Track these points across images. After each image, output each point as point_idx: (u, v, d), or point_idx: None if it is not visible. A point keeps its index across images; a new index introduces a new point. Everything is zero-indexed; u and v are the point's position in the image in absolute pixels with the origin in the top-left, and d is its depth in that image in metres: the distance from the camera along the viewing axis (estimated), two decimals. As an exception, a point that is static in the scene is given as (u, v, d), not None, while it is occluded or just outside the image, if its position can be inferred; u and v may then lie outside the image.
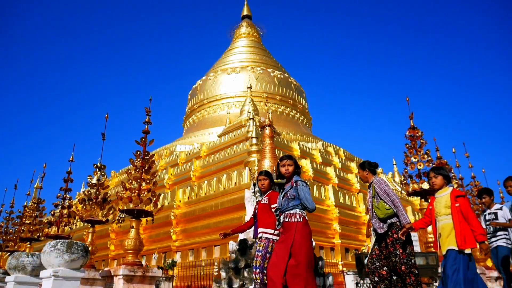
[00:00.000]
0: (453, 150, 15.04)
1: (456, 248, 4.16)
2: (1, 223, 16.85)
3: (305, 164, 19.89)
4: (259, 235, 4.51)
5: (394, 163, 32.47)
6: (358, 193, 20.18)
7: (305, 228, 4.05)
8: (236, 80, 32.22)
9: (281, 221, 4.15)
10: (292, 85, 34.18)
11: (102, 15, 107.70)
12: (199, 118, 33.01)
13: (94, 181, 11.50)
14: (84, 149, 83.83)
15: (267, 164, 11.84)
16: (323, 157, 23.30)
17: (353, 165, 24.99)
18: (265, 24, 75.19)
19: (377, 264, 4.37)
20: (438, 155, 11.89)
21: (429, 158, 10.58)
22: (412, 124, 10.96)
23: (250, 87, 25.14)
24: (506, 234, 5.64)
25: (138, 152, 10.05)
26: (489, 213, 5.87)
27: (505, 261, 5.54)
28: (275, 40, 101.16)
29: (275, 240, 4.36)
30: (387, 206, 4.38)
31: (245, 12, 42.17)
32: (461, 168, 16.69)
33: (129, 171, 10.11)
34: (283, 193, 4.26)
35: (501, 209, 5.80)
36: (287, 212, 4.11)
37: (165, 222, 17.95)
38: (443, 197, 4.48)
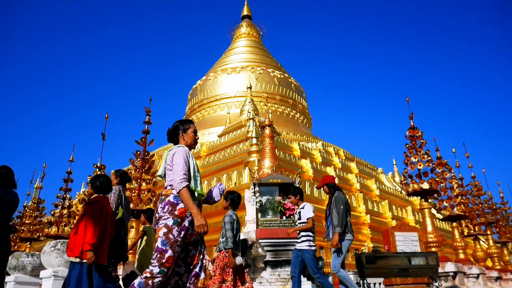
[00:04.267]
0: (453, 150, 15.05)
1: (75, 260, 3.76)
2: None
3: (305, 164, 19.88)
4: None
5: (394, 163, 32.50)
6: (359, 193, 20.17)
7: None
8: (236, 80, 32.20)
9: None
10: (292, 85, 34.16)
11: (102, 15, 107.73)
12: (199, 118, 33.01)
13: (94, 181, 11.49)
14: (84, 149, 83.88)
15: (267, 164, 11.84)
16: (323, 157, 23.29)
17: (353, 165, 24.98)
18: (265, 24, 75.22)
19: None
20: (438, 155, 11.88)
21: (429, 158, 10.58)
22: (412, 124, 10.95)
23: (250, 87, 25.13)
24: (309, 236, 5.34)
25: (138, 152, 10.05)
26: (296, 214, 5.67)
27: (315, 262, 5.23)
28: (275, 40, 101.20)
29: None
30: None
31: (245, 12, 42.14)
32: (461, 168, 16.70)
33: (129, 171, 10.11)
34: None
35: (303, 208, 5.57)
36: None
37: (165, 222, 17.93)
38: None
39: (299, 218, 5.54)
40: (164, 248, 2.80)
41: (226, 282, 4.76)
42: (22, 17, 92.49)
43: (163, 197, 3.00)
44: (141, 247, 6.22)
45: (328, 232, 5.37)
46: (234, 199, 5.20)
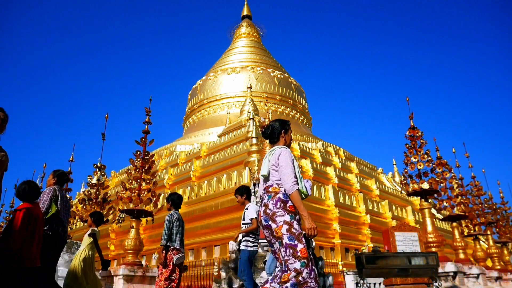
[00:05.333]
0: (453, 150, 15.05)
1: None
2: (1, 223, 16.83)
3: (305, 164, 19.87)
4: None
5: (394, 163, 32.51)
6: (359, 193, 20.17)
7: None
8: (236, 80, 32.20)
9: None
10: (292, 85, 34.16)
11: (102, 15, 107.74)
12: (199, 118, 33.00)
13: (94, 181, 11.52)
14: (84, 149, 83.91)
15: (267, 164, 11.85)
16: (323, 157, 23.28)
17: (353, 165, 24.97)
18: (265, 24, 75.31)
19: None
20: (438, 155, 11.89)
21: (429, 158, 10.58)
22: (412, 124, 10.96)
23: (250, 87, 25.12)
24: (247, 236, 5.25)
25: (138, 152, 10.05)
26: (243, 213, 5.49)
27: (246, 264, 5.09)
28: (275, 40, 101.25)
29: None
30: None
31: (245, 12, 42.15)
32: (461, 168, 16.70)
33: (129, 171, 10.11)
34: None
35: (247, 209, 5.40)
36: None
37: (165, 222, 17.92)
38: None
39: (243, 219, 5.37)
40: (293, 243, 2.90)
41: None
42: (22, 17, 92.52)
43: (271, 194, 3.08)
44: (86, 253, 5.55)
45: None
46: (175, 200, 5.50)
